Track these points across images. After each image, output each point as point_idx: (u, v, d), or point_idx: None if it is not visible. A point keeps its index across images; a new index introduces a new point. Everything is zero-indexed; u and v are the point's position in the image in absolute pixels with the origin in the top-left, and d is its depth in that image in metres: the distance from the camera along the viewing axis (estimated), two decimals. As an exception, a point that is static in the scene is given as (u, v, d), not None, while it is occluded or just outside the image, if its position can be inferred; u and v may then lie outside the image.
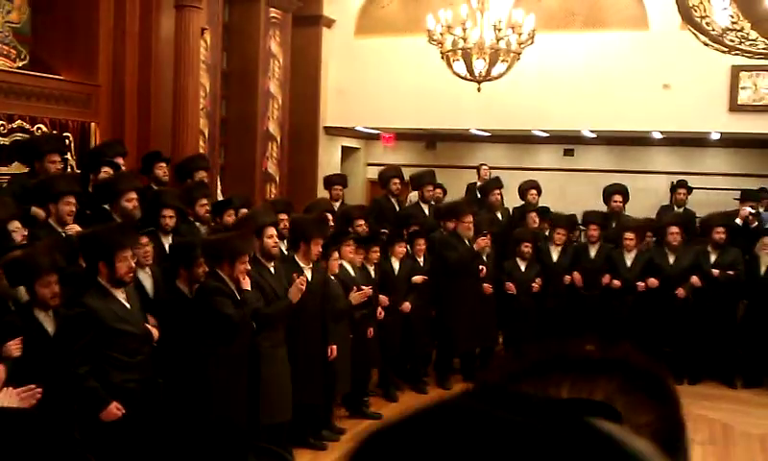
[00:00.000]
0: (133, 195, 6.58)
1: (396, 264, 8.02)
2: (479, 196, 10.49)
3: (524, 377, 0.91)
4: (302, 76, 11.31)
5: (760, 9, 4.99)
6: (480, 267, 8.55)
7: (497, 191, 10.07)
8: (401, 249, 8.04)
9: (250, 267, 5.67)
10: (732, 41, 5.28)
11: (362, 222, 8.29)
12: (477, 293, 8.51)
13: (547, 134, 12.26)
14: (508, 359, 0.96)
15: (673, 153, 12.63)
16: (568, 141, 12.90)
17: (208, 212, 7.39)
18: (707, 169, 12.26)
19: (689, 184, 10.45)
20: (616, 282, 8.67)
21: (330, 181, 10.09)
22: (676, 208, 10.03)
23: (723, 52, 5.54)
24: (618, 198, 9.73)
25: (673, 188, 10.25)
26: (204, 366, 5.42)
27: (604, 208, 9.88)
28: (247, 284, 5.60)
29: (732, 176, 11.85)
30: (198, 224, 7.25)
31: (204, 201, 7.40)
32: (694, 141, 12.18)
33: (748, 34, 5.15)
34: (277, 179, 10.40)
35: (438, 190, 10.50)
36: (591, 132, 11.81)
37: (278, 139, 10.45)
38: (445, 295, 8.52)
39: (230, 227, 6.91)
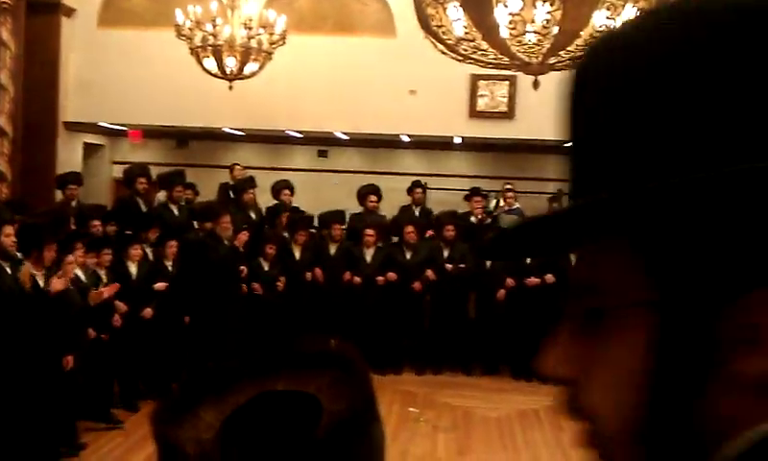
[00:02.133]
0: None
1: (132, 268, 7.63)
2: (232, 195, 10.34)
3: (243, 376, 0.92)
4: (39, 67, 10.42)
5: (490, 21, 5.34)
6: (241, 268, 8.46)
7: (251, 191, 9.99)
8: (136, 252, 7.66)
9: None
10: (466, 51, 5.59)
11: (97, 223, 7.84)
12: (239, 294, 8.42)
13: (301, 135, 12.34)
14: (228, 357, 0.96)
15: (420, 155, 13.25)
16: (322, 143, 13.08)
17: None
18: (449, 171, 13.00)
19: (427, 185, 11.05)
20: (357, 279, 8.99)
21: (63, 181, 9.43)
22: (414, 207, 10.56)
23: (459, 60, 5.85)
24: (374, 198, 10.08)
25: (410, 189, 10.74)
26: None
27: (358, 209, 10.18)
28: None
29: (472, 177, 12.64)
30: None
31: None
32: (438, 144, 12.84)
33: (480, 44, 5.48)
34: (9, 177, 9.50)
35: (188, 191, 10.20)
36: (344, 134, 12.05)
37: (10, 135, 9.54)
38: (203, 299, 8.23)
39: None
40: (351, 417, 0.93)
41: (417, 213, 10.51)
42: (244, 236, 8.40)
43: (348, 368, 0.98)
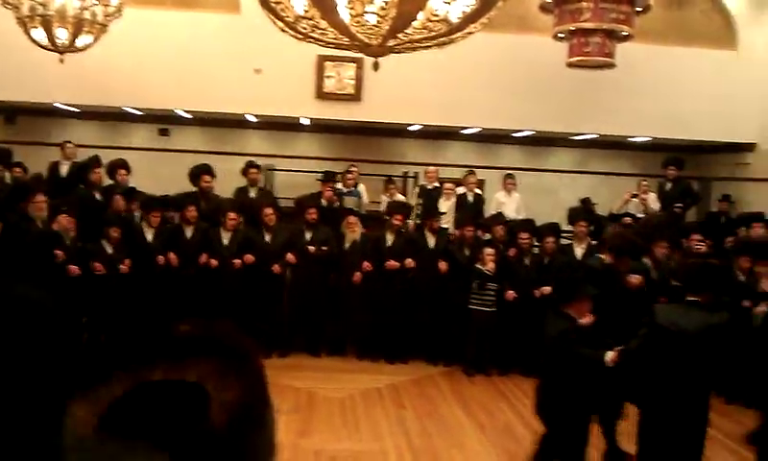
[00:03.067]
0: None
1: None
2: (65, 175, 9.83)
3: (116, 366, 0.88)
4: None
5: (329, 0, 5.27)
6: (56, 252, 7.98)
7: (97, 170, 9.54)
8: None
9: None
10: (305, 29, 5.49)
11: None
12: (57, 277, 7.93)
13: (141, 113, 11.83)
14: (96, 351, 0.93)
15: (266, 136, 13.06)
16: (163, 121, 12.63)
17: None
18: (297, 152, 12.90)
19: (274, 166, 10.85)
20: (213, 262, 8.74)
21: None
22: (250, 188, 10.35)
23: (298, 39, 5.74)
24: (207, 178, 9.80)
25: (245, 170, 10.53)
26: None
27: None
28: None
29: (319, 159, 12.61)
30: None
31: None
32: (285, 126, 12.71)
33: (318, 23, 5.40)
34: None
35: (16, 169, 9.60)
36: (186, 112, 11.68)
37: None
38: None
39: None
40: (244, 405, 0.91)
41: (253, 194, 10.30)
42: (64, 220, 7.88)
43: (233, 353, 0.95)
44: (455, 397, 8.15)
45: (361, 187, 11.00)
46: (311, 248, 9.06)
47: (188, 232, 8.95)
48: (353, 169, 11.05)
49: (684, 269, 4.94)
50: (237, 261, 8.78)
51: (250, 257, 8.82)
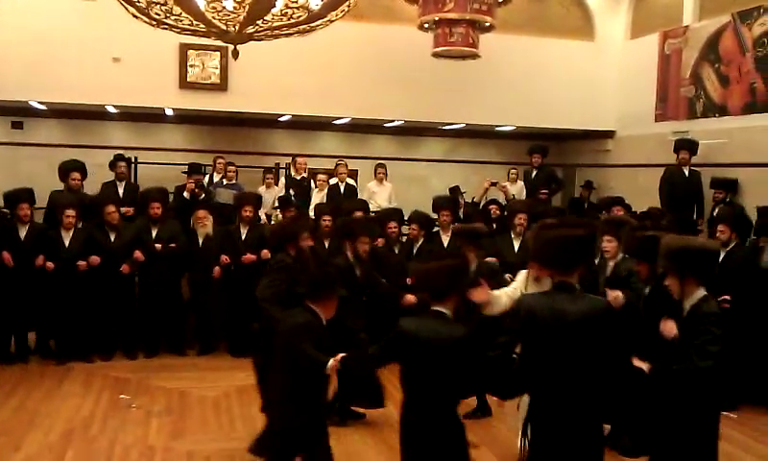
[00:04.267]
0: None
1: None
2: None
3: None
4: None
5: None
6: None
7: None
8: None
9: None
10: (159, 15, 5.27)
11: None
12: None
13: (-11, 105, 11.12)
14: None
15: (129, 127, 12.56)
16: (16, 113, 11.91)
17: None
18: (161, 144, 12.47)
19: (137, 159, 10.46)
20: (50, 264, 8.21)
21: None
22: (118, 183, 9.93)
23: (152, 26, 5.51)
24: (77, 175, 9.30)
25: (112, 163, 10.10)
26: None
27: (59, 185, 9.36)
28: None
29: (185, 151, 12.22)
30: None
31: None
32: (148, 117, 12.26)
33: (172, 9, 5.19)
34: None
35: None
36: (40, 103, 11.05)
37: None
38: None
39: None
40: None
41: (121, 190, 9.87)
42: None
43: None
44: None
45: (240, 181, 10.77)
46: (157, 246, 8.69)
47: (22, 232, 8.34)
48: (221, 161, 10.76)
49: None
50: (81, 263, 8.29)
51: (95, 259, 8.34)
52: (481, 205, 10.75)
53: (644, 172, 11.42)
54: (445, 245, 9.26)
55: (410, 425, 3.86)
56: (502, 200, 10.86)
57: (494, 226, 9.68)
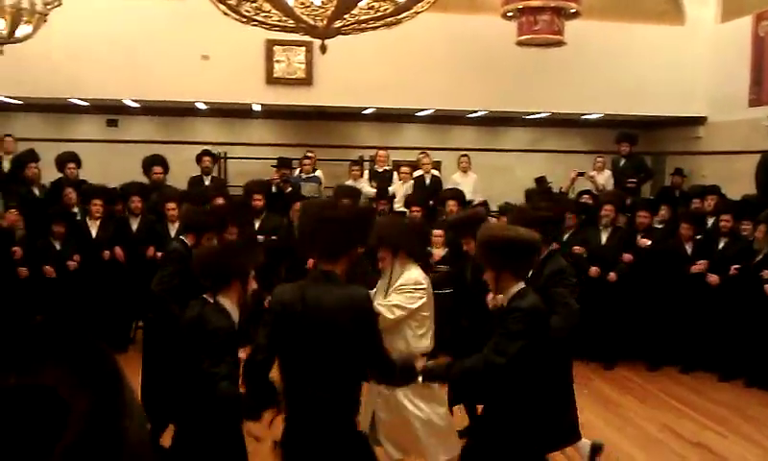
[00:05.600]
0: None
1: None
2: (7, 171, 9.55)
3: None
4: None
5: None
6: (13, 249, 7.82)
7: (33, 165, 9.26)
8: None
9: None
10: (249, 12, 5.36)
11: None
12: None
13: (87, 104, 11.54)
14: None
15: (218, 123, 12.85)
16: (111, 111, 12.35)
17: None
18: (249, 139, 12.72)
19: (227, 154, 10.68)
20: (160, 255, 8.49)
21: None
22: (204, 177, 10.22)
23: (242, 22, 5.61)
24: (158, 169, 9.62)
25: (198, 158, 10.37)
26: None
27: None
28: None
29: (273, 146, 12.44)
30: None
31: None
32: (237, 112, 12.52)
33: (262, 5, 5.27)
34: None
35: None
36: (134, 101, 11.42)
37: None
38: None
39: None
40: (94, 417, 0.83)
41: (207, 183, 10.15)
42: (12, 216, 7.65)
43: (82, 358, 0.88)
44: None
45: (318, 172, 10.89)
46: (260, 237, 8.85)
47: (134, 225, 8.70)
48: (310, 155, 10.92)
49: None
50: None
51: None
52: (569, 195, 10.59)
53: (738, 159, 11.03)
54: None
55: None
56: (594, 190, 10.66)
57: (584, 216, 9.52)
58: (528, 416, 3.81)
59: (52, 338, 0.87)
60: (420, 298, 4.63)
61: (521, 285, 3.85)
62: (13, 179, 9.22)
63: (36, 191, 9.16)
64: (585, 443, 5.43)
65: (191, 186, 9.89)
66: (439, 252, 8.84)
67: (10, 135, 10.12)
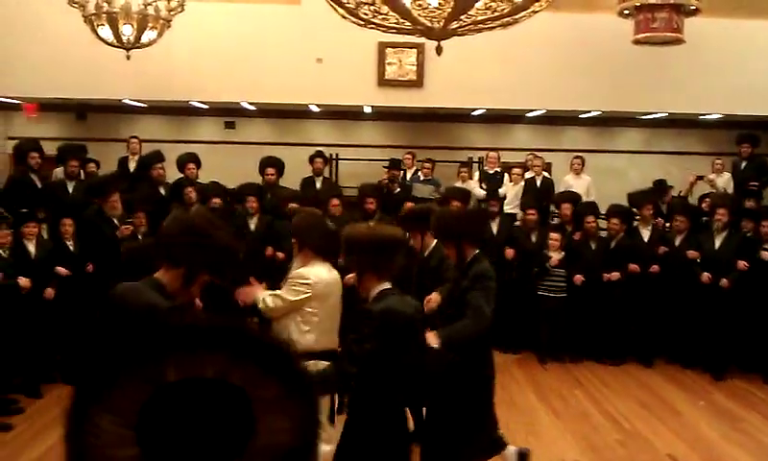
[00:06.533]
0: None
1: (31, 247, 7.29)
2: (132, 171, 10.02)
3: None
4: None
5: (391, -16, 5.21)
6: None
7: (159, 165, 9.69)
8: (31, 230, 7.31)
9: None
10: (367, 15, 5.45)
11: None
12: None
13: (206, 106, 11.99)
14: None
15: (330, 125, 13.10)
16: (229, 113, 12.78)
17: None
18: (359, 141, 12.90)
19: (338, 155, 10.90)
20: (280, 254, 8.72)
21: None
22: (316, 178, 10.43)
23: (360, 25, 5.70)
24: (271, 170, 9.89)
25: (311, 159, 10.59)
26: None
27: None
28: None
29: (383, 147, 12.58)
30: None
31: None
32: (349, 114, 12.72)
33: (380, 8, 5.35)
34: None
35: (90, 164, 9.85)
36: (250, 104, 11.78)
37: None
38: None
39: None
40: (297, 446, 0.88)
41: (318, 185, 10.37)
42: (127, 230, 7.86)
43: (293, 382, 0.92)
44: (529, 383, 8.05)
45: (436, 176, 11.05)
46: None
47: (252, 224, 8.99)
48: (408, 157, 11.07)
49: None
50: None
51: None
52: (688, 198, 10.28)
53: None
54: (646, 240, 9.03)
55: None
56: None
57: (703, 220, 9.25)
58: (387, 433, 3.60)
59: (206, 326, 0.91)
60: (304, 293, 4.57)
61: (384, 286, 3.69)
62: (140, 178, 9.66)
63: (162, 191, 9.58)
64: (511, 451, 5.26)
65: (303, 188, 10.12)
66: (556, 256, 8.75)
67: (135, 137, 10.62)
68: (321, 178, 10.55)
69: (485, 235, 5.54)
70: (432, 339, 4.39)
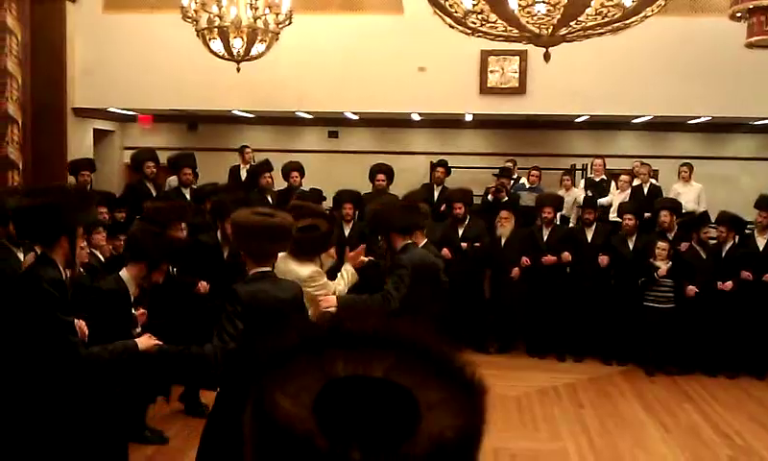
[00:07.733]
0: None
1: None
2: (244, 179, 10.33)
3: (298, 354, 0.87)
4: (46, 54, 10.34)
5: (498, -7, 5.23)
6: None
7: (267, 174, 9.96)
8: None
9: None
10: (474, 23, 5.48)
11: (103, 210, 7.84)
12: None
13: (311, 116, 12.26)
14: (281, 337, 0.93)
15: (431, 134, 13.17)
16: (332, 123, 13.02)
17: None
18: (462, 149, 12.91)
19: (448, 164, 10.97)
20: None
21: (76, 167, 9.45)
22: (435, 186, 10.49)
23: (467, 34, 5.74)
24: (381, 176, 10.01)
25: (433, 167, 10.70)
26: None
27: (369, 188, 10.10)
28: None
29: (484, 155, 12.56)
30: None
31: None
32: (450, 122, 12.76)
33: (488, 16, 5.37)
34: (20, 165, 9.48)
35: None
36: (354, 113, 11.97)
37: (20, 122, 9.52)
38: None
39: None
40: (457, 443, 0.85)
41: (437, 193, 10.45)
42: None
43: (461, 380, 0.91)
44: (635, 396, 7.88)
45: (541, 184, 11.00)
46: (463, 244, 9.03)
47: (347, 231, 9.11)
48: (509, 165, 11.05)
49: None
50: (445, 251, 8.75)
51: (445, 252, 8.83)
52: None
53: None
54: (761, 248, 8.71)
55: None
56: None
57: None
58: None
59: (375, 327, 0.94)
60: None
61: (259, 269, 3.95)
62: (249, 187, 9.96)
63: (270, 199, 9.85)
64: None
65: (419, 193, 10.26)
66: (664, 266, 8.54)
67: (248, 147, 10.96)
68: (440, 187, 10.62)
69: (418, 227, 5.84)
70: (331, 301, 4.84)
